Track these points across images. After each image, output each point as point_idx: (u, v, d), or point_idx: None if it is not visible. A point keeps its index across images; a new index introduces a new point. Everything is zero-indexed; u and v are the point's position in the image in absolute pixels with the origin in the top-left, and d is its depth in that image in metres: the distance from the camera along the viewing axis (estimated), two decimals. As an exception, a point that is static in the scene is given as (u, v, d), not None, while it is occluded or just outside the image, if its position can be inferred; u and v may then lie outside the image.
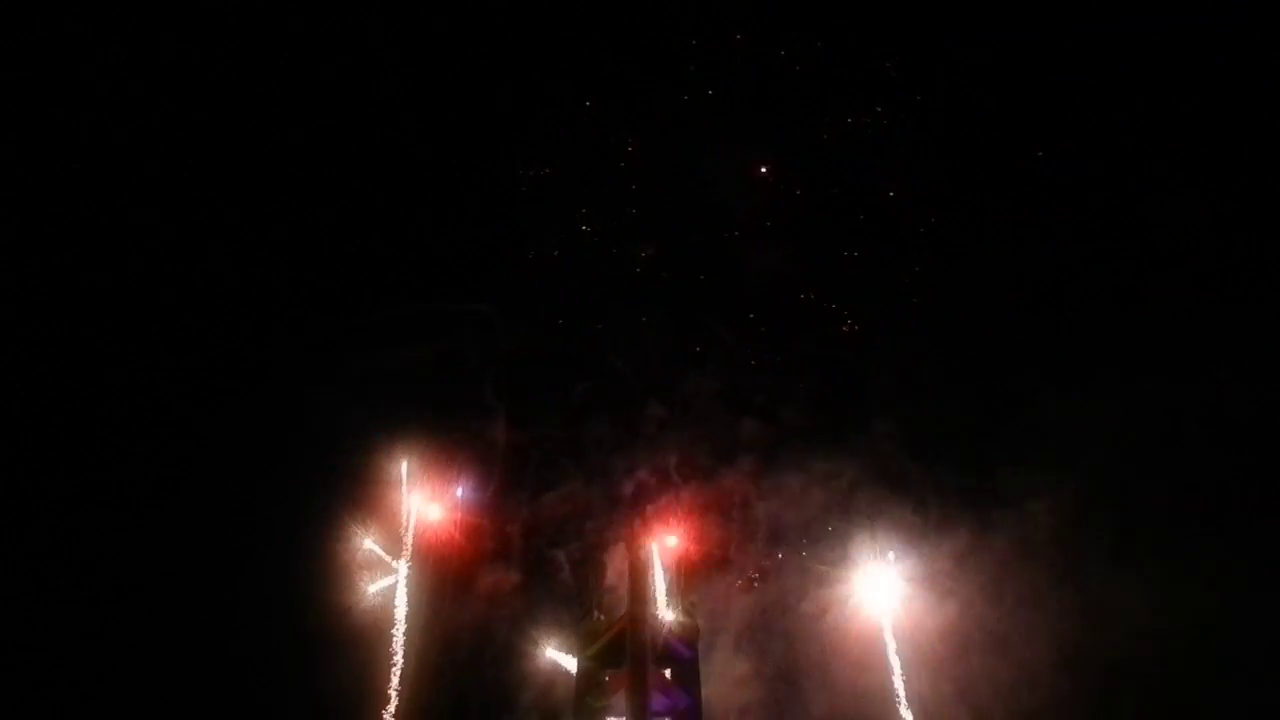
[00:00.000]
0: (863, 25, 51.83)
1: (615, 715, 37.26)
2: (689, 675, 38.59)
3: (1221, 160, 46.23)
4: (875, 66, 53.08)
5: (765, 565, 45.98)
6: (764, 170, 52.54)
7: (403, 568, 40.85)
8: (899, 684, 40.86)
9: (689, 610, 39.99)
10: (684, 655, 38.79)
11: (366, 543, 40.90)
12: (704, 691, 39.68)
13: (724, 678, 41.56)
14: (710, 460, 47.07)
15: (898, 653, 41.94)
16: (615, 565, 41.39)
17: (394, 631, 39.83)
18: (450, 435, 44.41)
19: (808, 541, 46.39)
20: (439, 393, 45.97)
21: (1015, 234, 47.99)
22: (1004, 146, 49.90)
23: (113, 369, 44.59)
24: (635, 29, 52.67)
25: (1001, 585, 43.23)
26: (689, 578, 41.31)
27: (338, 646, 39.75)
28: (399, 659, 39.43)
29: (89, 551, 41.41)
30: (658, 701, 37.35)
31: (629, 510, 43.63)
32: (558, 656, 40.73)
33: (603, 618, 39.51)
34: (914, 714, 40.15)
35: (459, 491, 42.89)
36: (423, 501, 42.32)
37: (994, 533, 45.22)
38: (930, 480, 46.06)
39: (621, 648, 37.72)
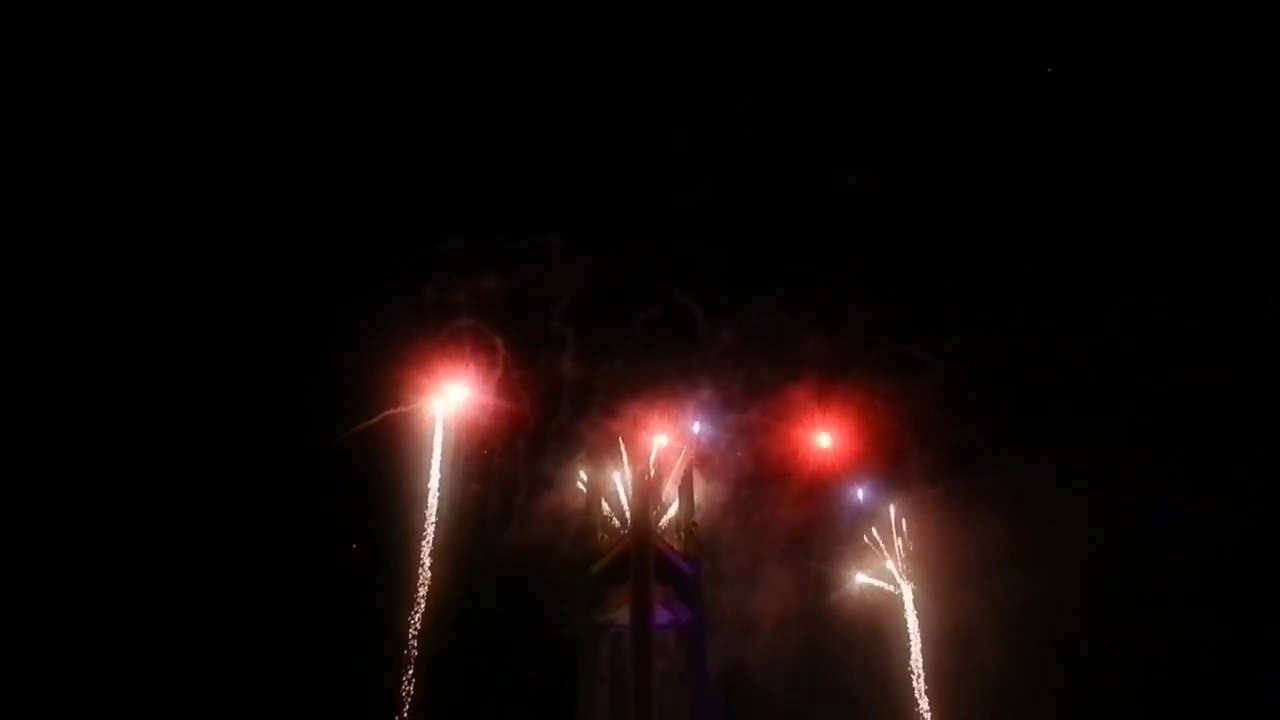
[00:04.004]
0: None
1: (619, 628, 38.60)
2: (691, 590, 39.21)
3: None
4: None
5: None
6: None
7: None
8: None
9: (691, 528, 40.39)
10: (686, 571, 39.37)
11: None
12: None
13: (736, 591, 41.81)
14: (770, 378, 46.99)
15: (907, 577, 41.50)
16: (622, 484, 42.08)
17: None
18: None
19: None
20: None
21: (1076, 159, 44.74)
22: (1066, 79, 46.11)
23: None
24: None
25: (1047, 509, 41.09)
26: (693, 494, 41.76)
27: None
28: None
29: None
30: (660, 615, 38.37)
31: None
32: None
33: (606, 536, 40.44)
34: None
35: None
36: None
37: (1046, 458, 43.10)
38: (987, 403, 44.24)
39: (625, 564, 38.79)
